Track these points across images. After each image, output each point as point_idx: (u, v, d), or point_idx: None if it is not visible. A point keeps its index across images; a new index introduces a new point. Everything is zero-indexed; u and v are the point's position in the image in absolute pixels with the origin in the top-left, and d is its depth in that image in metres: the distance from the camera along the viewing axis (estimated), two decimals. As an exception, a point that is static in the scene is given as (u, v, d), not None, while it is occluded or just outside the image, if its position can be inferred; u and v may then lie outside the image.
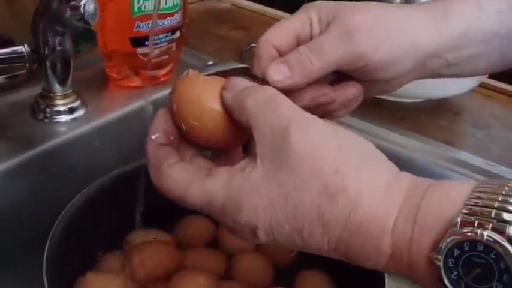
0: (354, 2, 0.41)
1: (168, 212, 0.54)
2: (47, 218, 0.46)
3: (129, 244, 0.54)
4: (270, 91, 0.33)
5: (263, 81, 0.40)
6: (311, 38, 0.41)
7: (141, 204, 0.53)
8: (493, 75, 0.68)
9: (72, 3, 0.49)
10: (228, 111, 0.34)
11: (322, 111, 0.42)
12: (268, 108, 0.31)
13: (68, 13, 0.49)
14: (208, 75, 0.37)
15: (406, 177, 0.30)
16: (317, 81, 0.41)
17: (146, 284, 0.50)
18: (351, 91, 0.42)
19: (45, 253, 0.41)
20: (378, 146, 0.59)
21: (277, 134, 0.30)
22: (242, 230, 0.32)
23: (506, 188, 0.27)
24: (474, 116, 0.70)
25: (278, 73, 0.38)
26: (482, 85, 0.71)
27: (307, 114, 0.31)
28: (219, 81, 0.35)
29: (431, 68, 0.43)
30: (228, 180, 0.32)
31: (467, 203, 0.27)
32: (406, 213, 0.29)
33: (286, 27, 0.41)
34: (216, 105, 0.34)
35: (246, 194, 0.31)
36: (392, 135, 0.63)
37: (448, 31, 0.41)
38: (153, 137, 0.35)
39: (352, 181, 0.29)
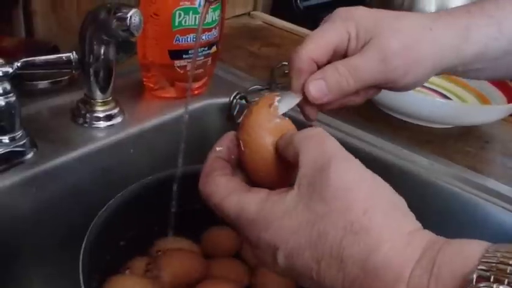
0: (391, 18, 0.42)
1: (196, 222, 0.55)
2: (81, 219, 0.47)
3: (157, 250, 0.55)
4: (315, 130, 0.35)
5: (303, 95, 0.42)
6: (346, 50, 0.42)
7: (171, 212, 0.55)
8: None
9: (119, 14, 0.51)
10: (278, 152, 0.36)
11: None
12: (314, 142, 0.34)
13: (115, 24, 0.51)
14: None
15: (428, 233, 0.32)
16: None
17: (171, 290, 0.51)
18: (372, 93, 0.45)
19: (82, 252, 0.43)
20: (401, 168, 0.61)
21: (318, 166, 0.32)
22: (263, 250, 0.34)
23: None
24: (504, 145, 0.69)
25: (317, 90, 0.41)
26: (513, 113, 0.71)
27: (348, 154, 0.33)
28: (283, 126, 0.37)
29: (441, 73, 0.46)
30: (264, 198, 0.34)
31: (482, 260, 0.28)
32: (423, 265, 0.29)
33: (325, 41, 0.42)
34: (268, 145, 0.36)
35: (277, 214, 0.33)
36: (417, 158, 0.63)
37: (466, 51, 0.44)
38: (218, 148, 0.38)
39: (377, 224, 0.30)
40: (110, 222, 0.49)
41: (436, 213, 0.60)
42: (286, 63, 0.80)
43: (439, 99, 0.72)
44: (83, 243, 0.44)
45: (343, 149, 0.34)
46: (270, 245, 0.33)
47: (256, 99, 0.41)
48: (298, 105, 0.42)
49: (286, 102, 0.39)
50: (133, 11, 0.50)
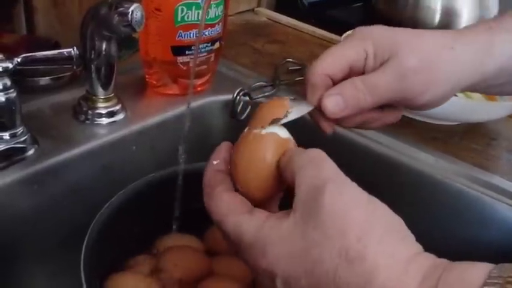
0: (409, 36, 0.42)
1: (199, 219, 0.55)
2: (83, 217, 0.47)
3: (160, 247, 0.55)
4: (313, 152, 0.35)
5: (319, 109, 0.41)
6: (363, 69, 0.42)
7: (173, 210, 0.54)
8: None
9: (121, 9, 0.51)
10: (278, 170, 0.36)
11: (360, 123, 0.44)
12: (311, 165, 0.33)
13: (116, 19, 0.51)
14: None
15: (427, 258, 0.30)
16: None
17: (175, 288, 0.51)
18: (392, 117, 0.45)
19: (83, 250, 0.43)
20: (407, 165, 0.60)
21: (313, 191, 0.32)
22: (262, 275, 0.33)
23: None
24: (510, 142, 0.69)
25: (334, 105, 0.40)
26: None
27: (345, 178, 0.33)
28: (283, 145, 0.37)
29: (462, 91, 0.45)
30: (261, 224, 0.33)
31: (485, 287, 0.27)
32: None
33: (341, 57, 0.42)
34: (268, 159, 0.36)
35: (273, 241, 0.32)
36: (423, 155, 0.62)
37: (489, 66, 0.43)
38: (215, 162, 0.38)
39: (372, 251, 0.30)
40: (112, 220, 0.48)
41: (442, 211, 0.59)
42: (291, 59, 0.81)
43: (444, 96, 0.71)
44: (84, 241, 0.43)
45: (340, 173, 0.33)
46: (267, 272, 0.33)
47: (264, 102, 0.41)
48: (313, 118, 0.42)
49: (298, 109, 0.39)
50: (134, 6, 0.50)
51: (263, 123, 0.37)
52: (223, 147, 0.39)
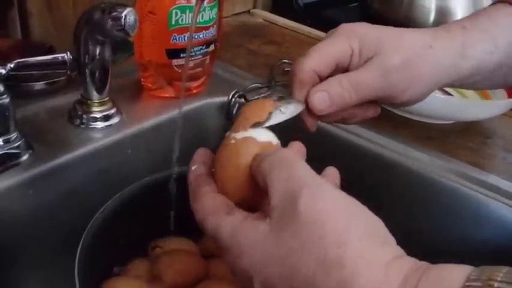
0: (392, 35, 0.43)
1: (194, 222, 0.55)
2: (79, 221, 0.47)
3: (156, 251, 0.55)
4: (282, 154, 0.35)
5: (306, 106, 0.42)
6: (349, 65, 0.43)
7: (169, 213, 0.54)
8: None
9: (114, 14, 0.51)
10: (251, 174, 0.36)
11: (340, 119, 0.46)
12: (282, 167, 0.33)
13: (110, 23, 0.51)
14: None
15: (408, 261, 0.30)
16: None
17: (171, 291, 0.51)
18: (371, 112, 0.46)
19: (78, 254, 0.43)
20: (403, 165, 0.60)
21: (288, 197, 0.32)
22: (240, 275, 0.33)
23: (501, 275, 0.27)
24: (506, 140, 0.69)
25: (321, 102, 0.42)
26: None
27: (320, 180, 0.33)
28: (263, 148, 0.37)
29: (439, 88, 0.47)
30: (237, 225, 0.33)
31: None
32: None
33: (328, 54, 0.43)
34: (243, 163, 0.36)
35: (249, 243, 0.32)
36: (419, 155, 0.62)
37: (463, 68, 0.45)
38: (193, 168, 0.39)
39: (352, 257, 0.29)
40: (107, 224, 0.48)
41: (438, 210, 0.59)
42: (286, 60, 0.81)
43: (440, 95, 0.71)
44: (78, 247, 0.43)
45: (314, 175, 0.33)
46: (244, 272, 0.33)
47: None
48: (298, 115, 0.42)
49: (289, 109, 0.40)
50: (127, 10, 0.50)
51: (244, 125, 0.37)
52: (199, 152, 0.40)
